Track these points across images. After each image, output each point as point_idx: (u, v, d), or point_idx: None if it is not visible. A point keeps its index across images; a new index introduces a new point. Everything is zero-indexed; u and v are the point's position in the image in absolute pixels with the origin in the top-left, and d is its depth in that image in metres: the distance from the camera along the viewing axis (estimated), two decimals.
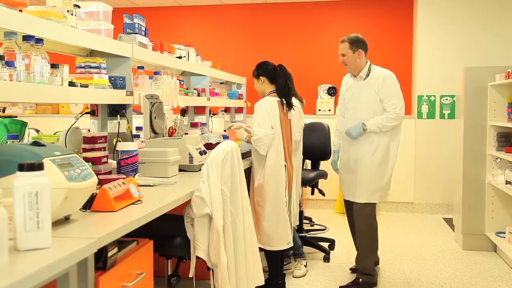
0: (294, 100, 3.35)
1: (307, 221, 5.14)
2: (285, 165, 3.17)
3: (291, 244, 3.23)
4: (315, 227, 5.10)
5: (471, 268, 3.95)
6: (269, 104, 3.17)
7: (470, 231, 4.44)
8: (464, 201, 4.47)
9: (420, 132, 5.92)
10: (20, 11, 1.93)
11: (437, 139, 5.86)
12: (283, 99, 3.22)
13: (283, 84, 3.24)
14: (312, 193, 4.48)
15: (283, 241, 3.18)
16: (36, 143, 1.56)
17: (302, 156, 3.52)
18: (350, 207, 3.59)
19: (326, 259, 4.05)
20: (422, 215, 5.93)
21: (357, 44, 3.45)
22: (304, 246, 3.98)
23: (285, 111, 3.22)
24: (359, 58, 3.45)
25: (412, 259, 4.20)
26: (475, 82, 4.42)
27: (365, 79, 3.45)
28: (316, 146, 4.29)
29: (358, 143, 3.44)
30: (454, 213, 4.89)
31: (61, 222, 1.55)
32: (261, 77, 3.31)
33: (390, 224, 5.43)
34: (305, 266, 3.82)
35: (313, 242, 4.26)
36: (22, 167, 1.24)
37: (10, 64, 1.79)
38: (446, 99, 5.85)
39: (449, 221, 5.46)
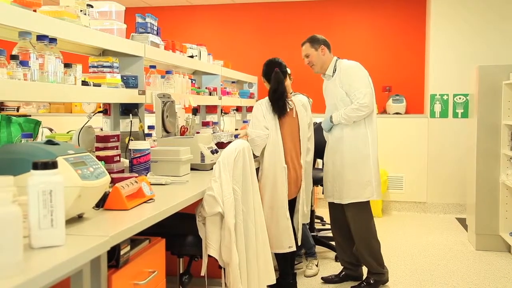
0: (301, 96, 3.34)
1: (319, 221, 5.12)
2: (285, 167, 3.13)
3: (294, 248, 3.16)
4: (327, 226, 5.08)
5: (484, 268, 3.91)
6: (266, 105, 3.18)
7: (483, 231, 4.40)
8: (477, 201, 4.42)
9: (432, 132, 5.87)
10: (34, 11, 1.95)
11: (450, 139, 5.81)
12: (273, 104, 3.17)
13: (273, 89, 3.19)
14: (324, 192, 4.46)
15: (285, 244, 3.13)
16: (50, 142, 1.57)
17: (313, 155, 3.50)
18: (336, 209, 3.52)
19: (337, 258, 4.03)
20: (435, 215, 5.88)
21: (318, 41, 3.45)
22: (315, 246, 3.96)
23: (289, 110, 3.19)
24: (324, 55, 3.43)
25: (424, 259, 4.17)
26: (489, 80, 4.37)
27: (332, 76, 3.42)
28: (323, 146, 4.26)
29: (334, 141, 3.42)
30: (467, 213, 4.84)
31: (74, 220, 1.56)
32: (263, 78, 3.32)
33: (403, 224, 5.40)
34: (317, 265, 3.81)
35: (324, 242, 4.24)
36: (36, 166, 1.25)
37: (24, 63, 1.81)
38: (460, 98, 5.80)
39: (462, 221, 5.41)
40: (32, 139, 2.10)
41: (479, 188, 4.42)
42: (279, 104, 3.17)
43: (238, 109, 5.67)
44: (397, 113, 6.00)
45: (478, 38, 5.69)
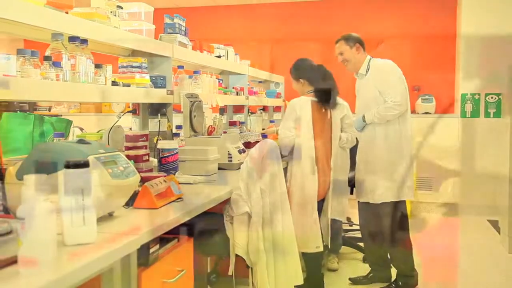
0: (340, 99, 3.31)
1: (346, 221, 5.07)
2: (315, 168, 3.09)
3: (321, 249, 3.14)
4: (354, 227, 5.03)
5: None
6: (299, 104, 3.11)
7: None
8: (510, 203, 4.31)
9: (463, 131, 5.74)
10: (66, 12, 1.99)
11: (482, 139, 5.67)
12: (323, 100, 3.13)
13: (323, 85, 3.17)
14: (351, 192, 4.41)
15: (312, 244, 3.11)
16: (81, 141, 1.60)
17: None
18: (367, 209, 3.46)
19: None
20: (466, 216, 5.75)
21: (353, 39, 3.41)
22: (343, 246, 3.93)
23: (324, 110, 3.16)
24: (358, 53, 3.39)
25: (455, 262, 4.08)
26: None
27: (365, 75, 3.38)
28: (355, 146, 4.22)
29: (366, 140, 3.37)
30: (500, 215, 4.72)
31: (105, 218, 1.58)
32: (301, 79, 3.27)
33: (432, 226, 5.30)
34: (338, 263, 3.81)
35: (352, 242, 4.20)
36: (68, 165, 1.28)
37: (56, 64, 1.84)
38: (492, 97, 5.66)
39: (494, 223, 5.27)
40: (64, 138, 2.14)
41: None
42: (332, 94, 3.11)
43: (265, 108, 5.66)
44: (426, 113, 5.90)
45: (510, 36, 5.54)
